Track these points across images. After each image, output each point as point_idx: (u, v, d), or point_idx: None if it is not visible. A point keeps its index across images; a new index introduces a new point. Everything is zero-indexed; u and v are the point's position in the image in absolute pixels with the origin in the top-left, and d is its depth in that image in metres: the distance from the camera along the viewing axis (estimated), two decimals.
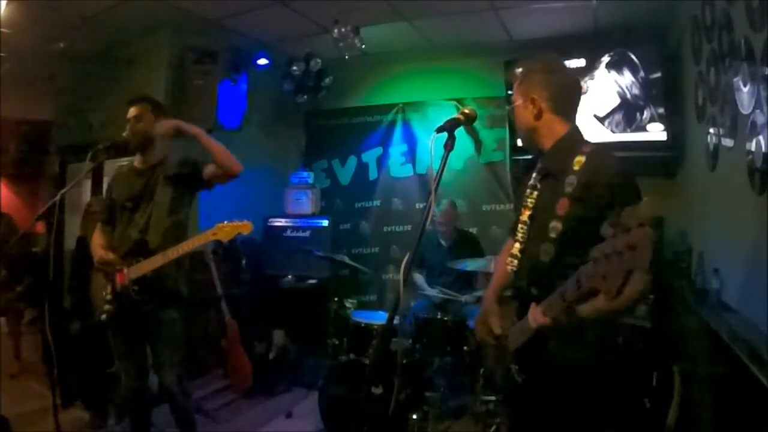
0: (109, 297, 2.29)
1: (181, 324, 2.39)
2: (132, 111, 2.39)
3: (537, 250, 1.43)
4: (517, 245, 1.56)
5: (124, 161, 2.62)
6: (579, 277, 1.14)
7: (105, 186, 2.70)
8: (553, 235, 1.39)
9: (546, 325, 1.29)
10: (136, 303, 2.27)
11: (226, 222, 2.27)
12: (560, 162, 1.46)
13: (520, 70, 1.64)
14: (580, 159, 1.41)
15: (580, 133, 1.54)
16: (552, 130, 1.53)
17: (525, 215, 1.55)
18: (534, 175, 1.57)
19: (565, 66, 1.70)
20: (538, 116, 1.53)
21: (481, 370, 3.07)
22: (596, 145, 1.47)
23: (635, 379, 2.84)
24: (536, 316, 1.32)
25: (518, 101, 1.57)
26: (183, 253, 2.25)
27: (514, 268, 1.56)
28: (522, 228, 1.55)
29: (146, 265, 2.25)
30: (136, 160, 2.48)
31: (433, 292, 3.56)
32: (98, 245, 2.41)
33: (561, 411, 1.42)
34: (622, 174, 1.37)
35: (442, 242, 3.75)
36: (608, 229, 1.03)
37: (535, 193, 1.54)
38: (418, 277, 3.73)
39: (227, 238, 2.25)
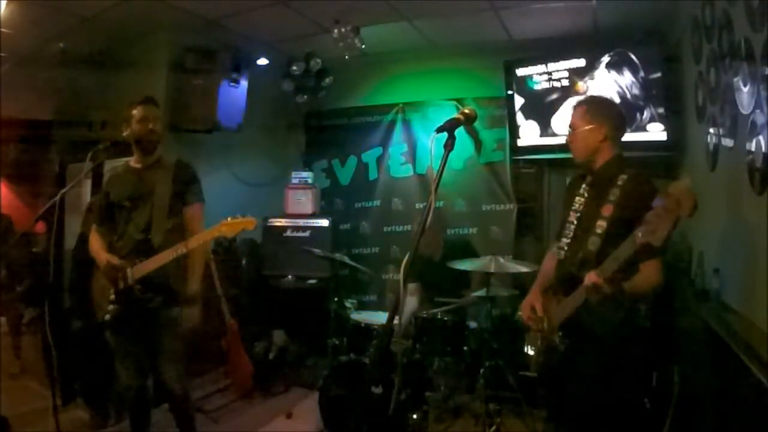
0: (112, 297, 2.30)
1: (183, 324, 2.39)
2: (145, 111, 2.39)
3: (585, 242, 1.82)
4: (565, 240, 1.97)
5: (122, 161, 2.62)
6: (635, 236, 1.51)
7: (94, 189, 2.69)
8: (599, 231, 1.80)
9: (598, 285, 1.63)
10: (139, 302, 2.27)
11: (230, 218, 2.28)
12: (608, 177, 1.88)
13: (586, 99, 2.11)
14: (623, 177, 1.83)
15: (623, 156, 1.95)
16: (607, 152, 1.93)
17: (572, 217, 1.97)
18: (583, 186, 1.99)
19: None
20: (603, 141, 1.92)
21: (481, 371, 3.07)
22: (635, 169, 1.87)
23: (635, 379, 2.84)
24: (591, 277, 1.65)
25: (584, 126, 1.93)
26: (190, 249, 2.25)
27: (561, 258, 1.97)
28: (569, 226, 1.97)
29: (151, 264, 2.25)
30: (133, 160, 2.48)
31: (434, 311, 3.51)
32: (99, 249, 2.40)
33: (595, 370, 1.79)
34: (651, 187, 1.78)
35: (433, 260, 3.73)
36: (657, 201, 1.46)
37: (582, 199, 1.96)
38: (410, 301, 3.56)
39: (232, 234, 2.28)
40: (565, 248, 1.96)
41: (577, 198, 1.99)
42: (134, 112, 2.39)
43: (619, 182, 1.82)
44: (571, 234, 1.95)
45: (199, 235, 2.28)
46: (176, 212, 2.39)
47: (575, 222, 1.95)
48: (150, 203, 2.36)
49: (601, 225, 1.80)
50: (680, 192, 1.38)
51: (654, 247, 1.49)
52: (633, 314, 1.89)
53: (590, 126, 1.92)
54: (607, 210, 1.81)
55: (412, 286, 3.66)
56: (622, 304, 1.79)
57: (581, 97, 2.15)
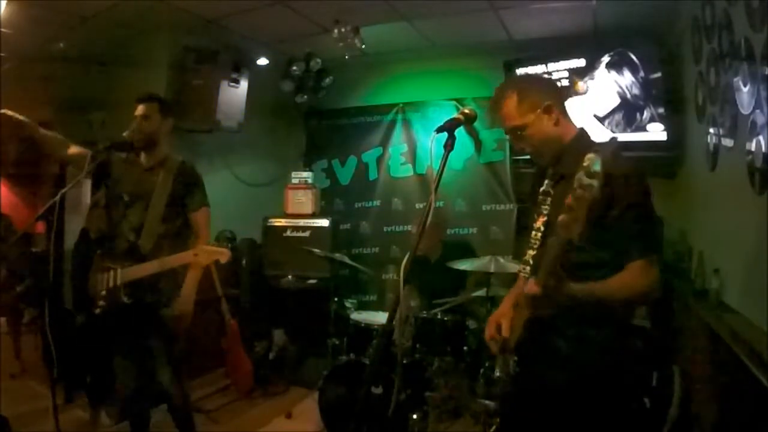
0: (103, 293, 2.31)
1: (176, 324, 2.38)
2: (140, 109, 2.39)
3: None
4: (530, 252, 1.56)
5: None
6: (555, 233, 1.19)
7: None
8: None
9: (535, 293, 1.26)
10: (128, 302, 2.28)
11: (207, 246, 2.31)
12: (573, 162, 1.42)
13: (507, 88, 1.60)
14: (590, 156, 1.39)
15: (587, 132, 1.58)
16: (567, 133, 1.56)
17: (539, 222, 1.55)
18: (547, 181, 1.58)
19: None
20: (557, 123, 1.54)
21: (481, 371, 3.07)
22: (604, 143, 1.46)
23: (635, 379, 2.84)
24: (529, 288, 1.30)
25: (530, 117, 1.52)
26: (165, 269, 2.26)
27: (527, 275, 1.54)
28: (536, 235, 1.55)
29: (136, 272, 2.26)
30: (141, 156, 2.48)
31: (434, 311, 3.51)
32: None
33: (550, 403, 1.46)
34: (634, 171, 1.41)
35: (430, 260, 3.73)
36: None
37: (549, 198, 1.55)
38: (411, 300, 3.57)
39: (206, 263, 2.28)
40: (531, 262, 1.56)
41: (541, 198, 1.59)
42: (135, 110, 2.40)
43: (585, 163, 1.33)
44: (538, 244, 1.55)
45: (177, 257, 2.27)
46: (172, 217, 2.38)
47: (542, 228, 1.54)
48: (146, 204, 2.35)
49: None
50: (586, 169, 1.04)
51: (617, 236, 1.23)
52: (608, 331, 1.46)
53: (533, 114, 1.53)
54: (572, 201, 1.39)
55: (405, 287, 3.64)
56: (589, 317, 1.42)
57: (500, 86, 1.65)
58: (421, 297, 3.56)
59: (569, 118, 1.57)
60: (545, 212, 1.55)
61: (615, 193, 1.34)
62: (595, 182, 1.06)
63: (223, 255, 2.27)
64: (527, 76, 1.67)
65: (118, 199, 2.40)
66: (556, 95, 1.57)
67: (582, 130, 1.58)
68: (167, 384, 2.35)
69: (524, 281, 1.60)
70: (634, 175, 1.40)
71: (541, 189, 1.58)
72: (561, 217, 1.13)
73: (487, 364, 3.07)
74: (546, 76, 1.70)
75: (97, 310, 2.32)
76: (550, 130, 1.53)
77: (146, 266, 2.27)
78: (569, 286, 1.27)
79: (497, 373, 1.65)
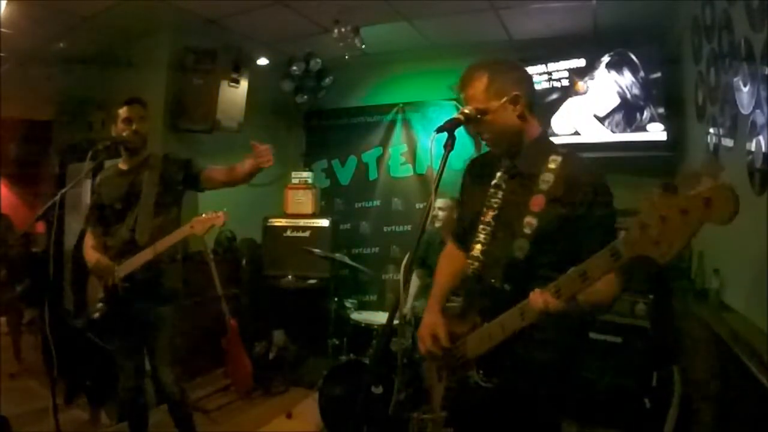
0: (101, 295, 2.31)
1: (176, 323, 2.38)
2: (132, 111, 2.39)
3: (509, 247, 1.39)
4: (479, 246, 1.50)
5: (115, 162, 2.63)
6: (616, 249, 1.07)
7: (92, 190, 2.71)
8: (527, 231, 1.37)
9: (558, 310, 1.18)
10: (127, 301, 2.28)
11: (203, 215, 2.28)
12: (534, 161, 1.44)
13: (480, 68, 1.52)
14: (555, 158, 1.41)
15: (547, 133, 1.55)
16: (531, 129, 1.50)
17: (488, 216, 1.50)
18: (499, 174, 1.52)
19: None
20: (522, 116, 1.47)
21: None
22: (565, 147, 1.48)
23: (635, 379, 2.84)
24: (545, 298, 1.19)
25: (494, 103, 1.45)
26: (166, 247, 2.25)
27: (476, 271, 1.49)
28: (485, 229, 1.50)
29: (134, 262, 2.26)
30: (121, 162, 2.49)
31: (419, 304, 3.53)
32: (90, 248, 2.42)
33: (535, 412, 1.42)
34: (599, 176, 1.40)
35: (445, 240, 3.73)
36: (651, 196, 0.98)
37: (501, 193, 1.50)
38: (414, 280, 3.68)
39: (203, 231, 2.24)
40: (481, 257, 1.49)
41: (492, 191, 1.51)
42: (120, 112, 2.41)
43: (551, 165, 1.40)
44: (488, 239, 1.49)
45: (170, 237, 2.26)
46: (165, 209, 2.40)
47: (492, 222, 1.48)
48: (137, 203, 2.36)
49: (530, 224, 1.37)
50: (713, 193, 0.89)
51: (594, 243, 1.14)
52: (576, 334, 1.49)
53: (498, 101, 1.45)
54: (538, 203, 1.37)
55: (414, 279, 3.69)
56: (574, 326, 1.43)
57: (474, 64, 1.57)
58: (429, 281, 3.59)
59: (535, 116, 1.53)
60: (495, 206, 1.49)
61: (585, 199, 1.34)
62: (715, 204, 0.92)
63: (219, 218, 2.24)
64: (503, 61, 1.58)
65: (112, 209, 2.41)
66: (527, 88, 1.51)
67: (544, 131, 1.55)
68: (167, 384, 2.35)
69: (451, 280, 1.61)
70: (603, 181, 1.40)
71: (493, 182, 1.52)
72: (629, 234, 1.03)
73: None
74: (520, 66, 1.62)
75: (96, 315, 2.33)
76: (511, 121, 1.47)
77: (141, 255, 2.26)
78: (579, 300, 1.21)
79: (445, 384, 1.54)
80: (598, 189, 1.37)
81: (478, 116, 1.46)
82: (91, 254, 2.38)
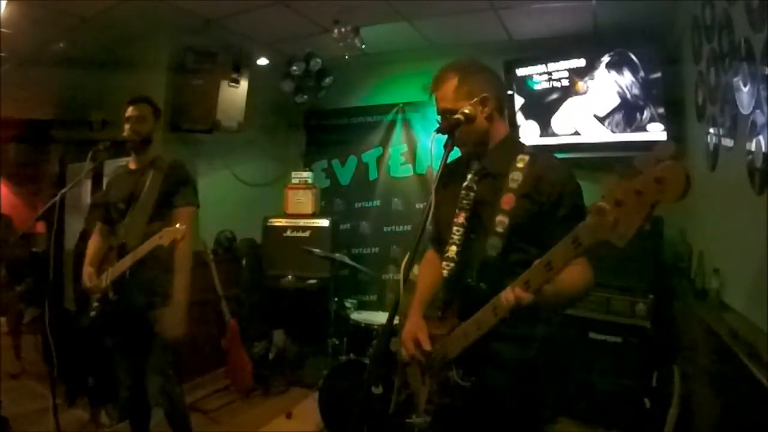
0: (98, 296, 2.31)
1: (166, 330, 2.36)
2: (134, 110, 2.39)
3: (482, 245, 1.42)
4: (453, 248, 1.51)
5: (123, 161, 2.63)
6: (576, 237, 1.09)
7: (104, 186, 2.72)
8: (499, 229, 1.40)
9: (528, 302, 1.19)
10: (119, 303, 2.28)
11: (169, 227, 2.23)
12: (503, 161, 1.48)
13: (450, 69, 1.57)
14: (523, 158, 1.46)
15: (516, 135, 1.56)
16: (498, 131, 1.55)
17: (461, 217, 1.52)
18: (470, 176, 1.54)
19: None
20: (490, 118, 1.52)
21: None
22: (532, 147, 1.53)
23: (635, 379, 2.84)
24: (515, 293, 1.21)
25: (462, 104, 1.48)
26: (143, 254, 2.22)
27: (451, 272, 1.51)
28: (458, 231, 1.52)
29: (117, 268, 2.26)
30: (131, 161, 2.49)
31: None
32: (88, 253, 2.44)
33: (516, 408, 1.43)
34: (567, 171, 1.44)
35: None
36: (608, 181, 1.01)
37: (472, 194, 1.52)
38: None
39: (167, 242, 2.20)
40: (456, 258, 1.51)
41: (464, 193, 1.53)
42: (126, 111, 2.41)
43: (519, 164, 1.44)
44: (462, 240, 1.51)
45: (144, 246, 2.23)
46: (163, 216, 2.35)
47: (465, 224, 1.51)
48: (136, 204, 2.36)
49: (501, 222, 1.39)
50: (665, 172, 0.92)
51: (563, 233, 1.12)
52: (553, 329, 1.48)
53: (468, 102, 1.49)
54: (508, 201, 1.40)
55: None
56: (546, 319, 1.45)
57: (446, 65, 1.62)
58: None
59: (504, 117, 1.58)
60: (467, 207, 1.52)
61: (553, 192, 1.38)
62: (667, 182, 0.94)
63: (180, 232, 2.19)
64: (473, 63, 1.63)
65: (115, 209, 2.41)
66: (496, 90, 1.56)
67: (511, 132, 1.59)
68: (158, 387, 2.33)
69: (433, 279, 1.62)
70: (570, 176, 1.43)
71: (464, 184, 1.54)
72: (588, 222, 1.05)
73: None
74: (495, 72, 1.65)
75: (92, 313, 2.33)
76: (479, 122, 1.51)
77: (123, 261, 2.26)
78: (546, 290, 1.21)
79: (426, 387, 1.55)
80: (565, 183, 1.41)
81: (446, 116, 1.50)
82: (85, 266, 2.39)
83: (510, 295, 1.22)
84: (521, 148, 1.51)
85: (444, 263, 1.54)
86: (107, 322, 2.36)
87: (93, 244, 2.49)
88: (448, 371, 1.45)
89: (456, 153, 1.59)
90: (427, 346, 1.49)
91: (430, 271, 1.71)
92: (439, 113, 1.57)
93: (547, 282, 1.18)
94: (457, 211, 1.53)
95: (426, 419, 1.55)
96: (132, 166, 2.48)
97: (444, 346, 1.46)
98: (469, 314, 1.39)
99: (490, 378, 1.41)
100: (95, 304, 2.33)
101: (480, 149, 1.55)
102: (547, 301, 1.23)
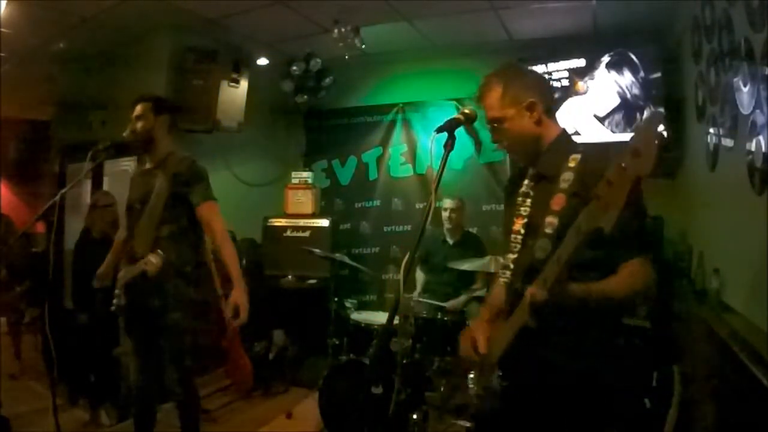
0: (118, 291, 2.32)
1: (187, 325, 2.36)
2: (135, 110, 2.39)
3: (532, 249, 1.37)
4: (510, 256, 1.50)
5: (125, 161, 2.63)
6: (578, 224, 1.10)
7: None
8: (549, 230, 1.34)
9: (543, 299, 1.19)
10: (131, 305, 2.28)
11: (148, 257, 2.23)
12: (556, 163, 1.42)
13: (494, 77, 1.51)
14: (575, 157, 1.39)
15: (569, 134, 1.53)
16: (549, 133, 1.49)
17: (519, 224, 1.49)
18: (526, 182, 1.53)
19: None
20: (539, 122, 1.47)
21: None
22: (587, 143, 1.48)
23: (635, 379, 2.84)
24: (529, 291, 1.22)
25: (510, 111, 1.46)
26: (129, 279, 2.25)
27: (507, 280, 1.49)
28: (516, 238, 1.49)
29: (127, 273, 2.28)
30: (147, 161, 2.48)
31: (414, 296, 3.57)
32: (108, 255, 2.48)
33: (545, 417, 1.37)
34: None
35: (448, 239, 3.75)
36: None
37: (529, 200, 1.50)
38: (419, 276, 3.75)
39: (153, 271, 2.21)
40: (512, 266, 1.49)
41: (520, 199, 1.52)
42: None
43: (571, 164, 1.37)
44: (518, 247, 1.48)
45: (134, 267, 2.23)
46: (175, 218, 2.32)
47: (522, 231, 1.48)
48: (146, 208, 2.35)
49: (551, 223, 1.33)
50: (639, 143, 0.90)
51: (612, 235, 1.03)
52: (607, 335, 1.39)
53: (514, 109, 1.46)
54: (558, 201, 1.34)
55: (418, 275, 3.75)
56: (587, 322, 1.33)
57: (489, 74, 1.54)
58: (431, 274, 3.74)
59: (555, 118, 1.53)
60: (524, 214, 1.49)
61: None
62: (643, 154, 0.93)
63: (150, 265, 2.19)
64: (518, 68, 1.59)
65: (131, 207, 2.41)
66: (543, 93, 1.50)
67: (564, 131, 1.53)
68: (169, 382, 2.35)
69: (503, 288, 1.55)
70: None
71: (521, 190, 1.53)
72: (588, 207, 1.05)
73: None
74: (540, 73, 1.61)
75: (113, 308, 2.33)
76: (528, 128, 1.47)
77: (132, 268, 2.27)
78: (572, 288, 1.21)
79: (474, 391, 1.55)
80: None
81: (495, 125, 1.49)
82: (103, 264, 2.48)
83: (528, 292, 1.21)
84: (574, 146, 1.45)
85: (501, 271, 1.55)
86: (127, 319, 2.36)
87: (117, 242, 2.53)
88: (492, 373, 1.46)
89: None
90: (482, 348, 1.48)
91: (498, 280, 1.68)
92: (487, 123, 1.54)
93: (561, 276, 1.16)
94: (514, 219, 1.51)
95: (465, 424, 1.54)
96: (147, 165, 2.46)
97: (490, 348, 1.47)
98: None
99: (526, 382, 1.39)
100: (115, 300, 2.33)
101: (533, 154, 1.51)
102: (581, 299, 1.22)
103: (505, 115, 1.47)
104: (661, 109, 0.90)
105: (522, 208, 1.50)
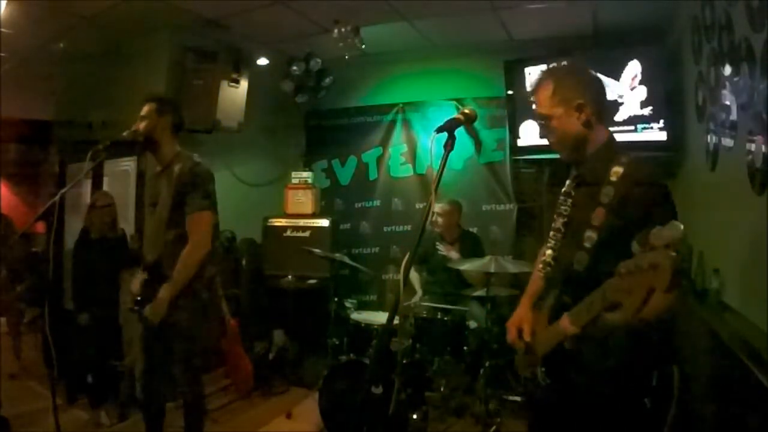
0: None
1: (198, 327, 2.37)
2: (140, 110, 2.40)
3: (571, 258, 1.43)
4: (550, 252, 1.58)
5: (125, 161, 2.63)
6: (605, 290, 1.20)
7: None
8: (587, 244, 1.39)
9: (573, 332, 1.34)
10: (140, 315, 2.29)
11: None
12: (598, 171, 1.44)
13: (547, 75, 1.54)
14: (617, 170, 1.40)
15: (615, 141, 1.54)
16: (597, 137, 1.50)
17: (559, 222, 1.56)
18: (568, 182, 1.57)
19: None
20: (588, 124, 1.48)
21: (481, 371, 3.07)
22: (632, 156, 1.45)
23: (635, 379, 2.83)
24: (565, 325, 1.37)
25: (558, 110, 1.48)
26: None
27: (547, 275, 1.59)
28: (555, 235, 1.57)
29: (130, 288, 2.29)
30: (156, 162, 2.49)
31: (416, 299, 3.59)
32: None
33: (583, 417, 1.45)
34: (659, 189, 1.40)
35: (445, 240, 3.75)
36: (636, 246, 1.11)
37: (570, 201, 1.55)
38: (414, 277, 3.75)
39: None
40: (552, 263, 1.58)
41: (562, 198, 1.58)
42: None
43: (613, 177, 1.39)
44: (558, 245, 1.56)
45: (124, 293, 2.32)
46: (178, 222, 2.31)
47: (562, 229, 1.55)
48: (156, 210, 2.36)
49: (590, 237, 1.39)
50: (659, 260, 1.00)
51: None
52: (633, 344, 1.46)
53: (562, 108, 1.49)
54: (599, 216, 1.38)
55: (413, 275, 3.75)
56: (618, 336, 1.40)
57: (545, 68, 1.60)
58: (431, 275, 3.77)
59: (604, 122, 1.53)
60: (565, 213, 1.55)
61: (640, 213, 1.32)
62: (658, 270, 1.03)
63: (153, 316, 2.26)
64: (573, 68, 1.57)
65: (147, 208, 2.42)
66: (594, 96, 1.50)
67: (611, 137, 1.53)
68: (179, 382, 2.35)
69: (541, 280, 1.64)
70: (661, 194, 1.39)
71: (563, 189, 1.58)
72: (613, 282, 1.15)
73: (487, 364, 3.07)
74: (596, 75, 1.59)
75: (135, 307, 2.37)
76: (575, 129, 1.49)
77: (132, 283, 2.35)
78: (606, 318, 1.24)
79: (525, 374, 1.64)
80: (656, 200, 1.37)
81: (543, 121, 1.54)
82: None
83: (563, 325, 1.37)
84: (618, 158, 1.43)
85: (540, 265, 1.62)
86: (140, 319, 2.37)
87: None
88: (536, 366, 1.55)
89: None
90: (527, 337, 1.57)
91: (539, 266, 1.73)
92: (536, 117, 1.58)
93: (588, 321, 1.29)
94: (555, 215, 1.58)
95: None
96: (157, 168, 2.46)
97: (535, 341, 1.56)
98: (554, 320, 1.47)
99: (567, 385, 1.47)
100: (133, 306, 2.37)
101: (577, 155, 1.53)
102: (610, 326, 1.27)
103: (553, 114, 1.50)
104: (681, 226, 0.93)
105: (563, 207, 1.56)
